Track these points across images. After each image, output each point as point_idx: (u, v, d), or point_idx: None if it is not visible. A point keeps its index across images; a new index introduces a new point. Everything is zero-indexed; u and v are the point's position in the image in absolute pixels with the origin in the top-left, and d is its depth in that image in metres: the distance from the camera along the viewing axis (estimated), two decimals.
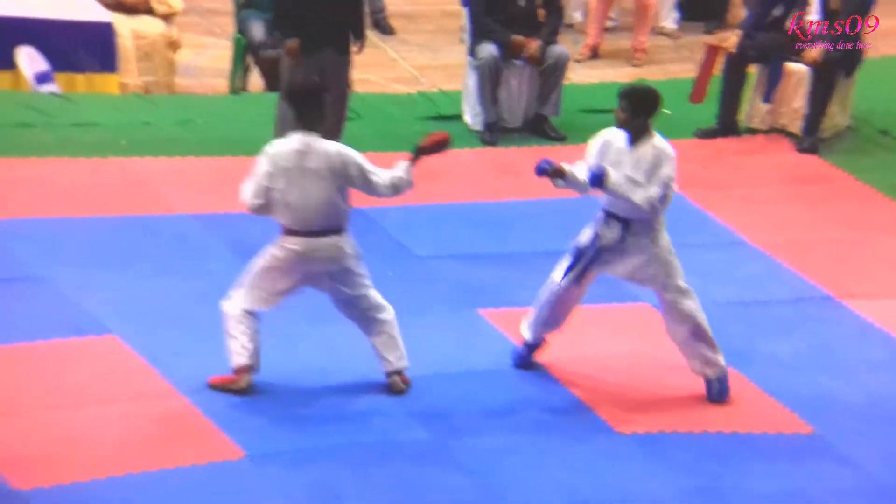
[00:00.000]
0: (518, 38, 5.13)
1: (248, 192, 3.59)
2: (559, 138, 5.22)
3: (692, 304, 3.59)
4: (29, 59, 5.07)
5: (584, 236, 3.63)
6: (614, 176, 3.50)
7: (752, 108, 5.33)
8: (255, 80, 5.52)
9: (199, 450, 3.40)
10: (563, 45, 5.32)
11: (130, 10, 5.38)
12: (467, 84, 5.29)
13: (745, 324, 4.02)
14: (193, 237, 4.31)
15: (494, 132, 5.19)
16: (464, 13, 5.36)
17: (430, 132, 3.56)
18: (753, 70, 5.31)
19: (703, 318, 3.59)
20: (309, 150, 3.50)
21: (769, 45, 5.23)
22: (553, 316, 3.71)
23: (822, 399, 3.73)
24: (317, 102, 3.51)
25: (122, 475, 3.30)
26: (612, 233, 3.56)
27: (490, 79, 5.14)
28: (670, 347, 3.88)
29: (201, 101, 5.37)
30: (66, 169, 4.70)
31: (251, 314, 3.58)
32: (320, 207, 3.50)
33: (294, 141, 3.53)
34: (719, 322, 3.93)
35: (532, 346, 3.78)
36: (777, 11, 5.24)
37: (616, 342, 3.92)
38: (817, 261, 4.46)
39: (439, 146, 3.55)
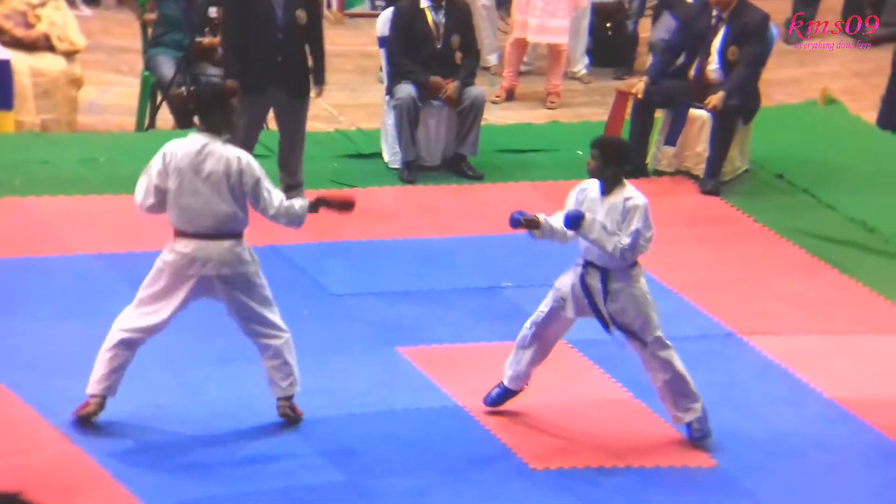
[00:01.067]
0: (436, 79, 5.19)
1: (140, 191, 3.49)
2: (477, 177, 5.29)
3: (670, 354, 3.66)
4: None
5: (565, 281, 3.66)
6: (590, 219, 3.57)
7: (659, 151, 5.51)
8: (165, 116, 5.40)
9: (95, 503, 3.24)
10: (480, 87, 5.41)
11: (30, 48, 5.23)
12: (385, 123, 5.30)
13: None
14: (94, 278, 4.17)
15: (413, 171, 5.21)
16: (381, 53, 5.38)
17: (341, 191, 3.51)
18: (660, 115, 5.51)
19: (681, 367, 3.66)
20: (206, 153, 3.42)
21: (673, 91, 5.42)
22: (539, 353, 3.71)
23: (725, 433, 3.80)
24: (221, 105, 3.42)
25: None
26: (594, 280, 3.62)
27: (408, 118, 5.17)
28: (584, 382, 3.93)
29: (105, 138, 5.22)
30: None
31: (126, 345, 3.45)
32: (213, 211, 3.41)
33: (193, 142, 3.45)
34: (626, 357, 3.98)
35: (511, 391, 3.75)
36: (681, 60, 5.45)
37: (533, 379, 3.91)
38: (721, 299, 4.60)
39: (343, 206, 3.52)
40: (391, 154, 5.27)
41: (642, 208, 3.65)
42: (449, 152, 5.30)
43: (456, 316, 4.20)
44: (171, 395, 3.65)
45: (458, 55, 5.24)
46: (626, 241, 3.60)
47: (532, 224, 3.63)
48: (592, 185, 3.70)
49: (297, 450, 3.51)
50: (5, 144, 4.98)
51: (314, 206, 3.48)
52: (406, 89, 5.17)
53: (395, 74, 5.21)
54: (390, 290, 4.40)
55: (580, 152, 5.58)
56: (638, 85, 5.43)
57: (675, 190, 5.39)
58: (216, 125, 3.46)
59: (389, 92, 5.25)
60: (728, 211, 5.28)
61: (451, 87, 5.18)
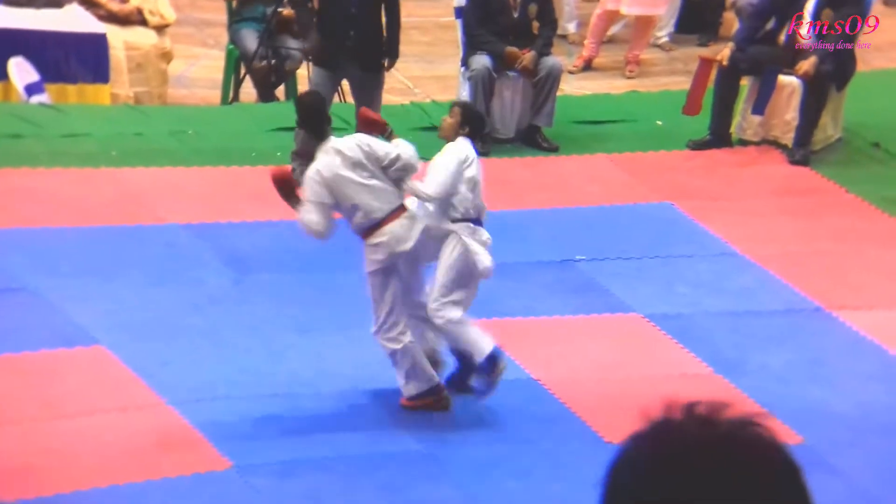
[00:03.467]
0: (512, 49, 5.13)
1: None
2: (552, 149, 5.23)
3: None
4: (20, 70, 5.06)
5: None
6: None
7: (745, 120, 5.32)
8: (248, 90, 5.51)
9: (186, 460, 3.38)
10: (557, 57, 5.32)
11: (124, 22, 5.38)
12: (460, 95, 5.29)
13: (737, 335, 4.00)
14: (183, 247, 4.30)
15: (487, 143, 5.16)
16: (458, 25, 5.36)
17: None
18: (746, 82, 5.31)
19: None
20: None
21: (761, 57, 5.22)
22: None
23: (813, 410, 3.71)
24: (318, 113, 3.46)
25: (107, 486, 3.28)
26: None
27: (483, 90, 5.14)
28: (660, 357, 3.87)
29: (193, 111, 5.37)
30: (57, 179, 4.69)
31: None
32: None
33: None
34: (710, 333, 3.92)
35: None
36: (770, 25, 5.24)
37: (606, 352, 3.89)
38: (809, 272, 4.45)
39: (283, 188, 3.44)
40: None
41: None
42: (523, 124, 5.24)
43: (529, 289, 4.17)
44: (254, 360, 3.73)
45: (536, 24, 5.16)
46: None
47: None
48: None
49: (374, 418, 3.57)
50: (102, 116, 5.14)
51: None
52: (481, 60, 5.13)
53: (471, 45, 5.16)
54: None
55: (660, 122, 5.43)
56: (723, 52, 5.24)
57: (761, 160, 5.19)
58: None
59: (465, 63, 5.22)
60: (818, 181, 5.08)
61: (528, 57, 5.11)
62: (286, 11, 5.11)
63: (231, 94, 5.47)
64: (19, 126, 4.96)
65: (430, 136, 5.27)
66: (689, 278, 4.21)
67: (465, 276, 3.59)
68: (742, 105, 5.32)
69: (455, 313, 3.57)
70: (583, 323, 3.92)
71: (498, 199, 4.80)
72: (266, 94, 5.36)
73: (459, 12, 5.32)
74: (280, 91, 5.41)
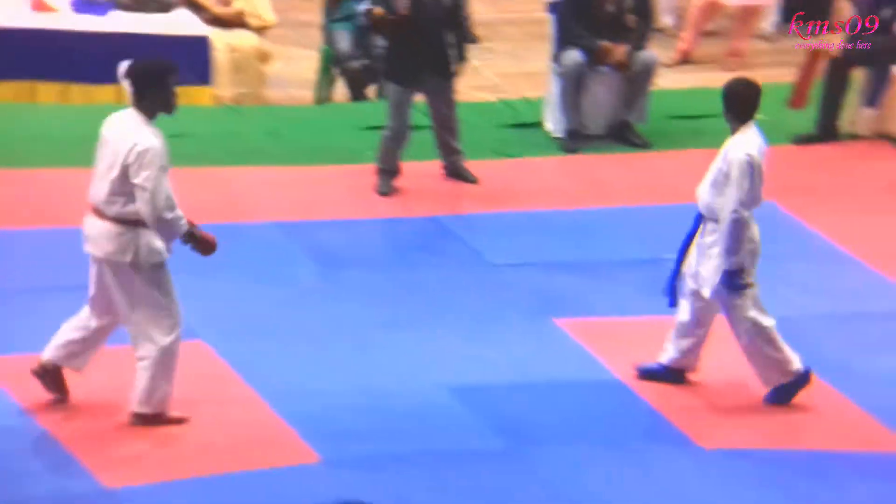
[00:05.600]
0: (606, 44, 5.04)
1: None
2: (643, 145, 5.09)
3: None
4: None
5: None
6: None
7: (857, 114, 5.08)
8: (341, 90, 5.59)
9: (278, 454, 3.46)
10: (652, 51, 5.19)
11: (226, 25, 5.54)
12: (551, 91, 5.22)
13: (843, 338, 3.84)
14: (277, 245, 4.39)
15: (576, 139, 5.10)
16: (550, 19, 5.29)
17: (208, 235, 3.35)
18: (858, 74, 5.05)
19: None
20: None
21: (875, 48, 4.98)
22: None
23: None
24: (150, 83, 3.27)
25: (206, 476, 3.39)
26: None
27: (574, 85, 5.06)
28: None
29: (288, 111, 5.46)
30: None
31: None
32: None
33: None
34: (815, 335, 3.75)
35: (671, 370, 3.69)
36: (885, 13, 4.97)
37: (700, 356, 3.75)
38: None
39: (205, 247, 3.39)
40: (554, 123, 5.17)
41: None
42: (615, 120, 5.12)
43: (617, 288, 4.09)
44: (343, 355, 3.78)
45: (632, 18, 5.04)
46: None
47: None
48: None
49: (459, 416, 3.57)
50: (204, 117, 5.28)
51: (190, 234, 3.37)
52: (573, 56, 5.05)
53: (565, 40, 5.09)
54: (549, 261, 4.35)
55: (762, 116, 5.21)
56: (834, 42, 5.02)
57: (874, 155, 4.94)
58: (147, 103, 3.33)
59: (556, 59, 5.15)
60: None
61: (621, 51, 5.00)
62: (377, 10, 5.17)
63: (325, 94, 5.55)
64: None
65: (517, 132, 5.28)
66: (793, 279, 4.04)
67: None
68: (855, 98, 5.06)
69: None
70: (671, 324, 3.74)
71: (586, 196, 4.74)
72: (357, 94, 5.40)
73: (553, 7, 5.24)
74: (371, 91, 5.46)
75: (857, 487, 3.30)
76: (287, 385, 3.70)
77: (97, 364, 3.60)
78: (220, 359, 3.79)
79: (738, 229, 3.53)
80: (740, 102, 3.61)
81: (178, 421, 3.51)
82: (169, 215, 3.36)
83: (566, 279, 4.23)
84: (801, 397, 3.62)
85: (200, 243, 3.47)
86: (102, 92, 5.30)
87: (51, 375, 3.53)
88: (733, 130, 3.63)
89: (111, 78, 5.51)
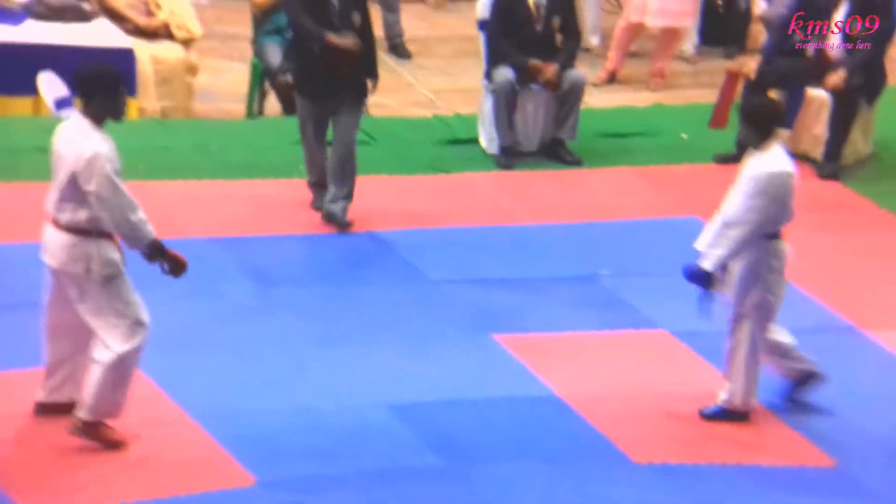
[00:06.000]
0: (535, 62, 5.12)
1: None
2: (575, 162, 5.20)
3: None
4: (49, 85, 5.11)
5: None
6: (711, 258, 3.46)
7: None
8: (272, 104, 5.54)
9: (211, 477, 3.38)
10: (580, 70, 5.31)
11: (151, 36, 5.43)
12: (483, 108, 5.29)
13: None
14: (208, 260, 4.31)
15: (510, 156, 5.17)
16: (481, 37, 5.37)
17: (178, 255, 3.30)
18: (774, 95, 5.27)
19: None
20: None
21: (789, 71, 5.19)
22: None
23: (845, 431, 3.66)
24: (98, 90, 3.19)
25: (132, 502, 3.28)
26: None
27: (506, 103, 5.13)
28: (687, 375, 3.82)
29: (217, 124, 5.41)
30: None
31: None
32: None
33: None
34: None
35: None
36: (797, 38, 5.21)
37: (631, 369, 3.85)
38: (840, 290, 4.38)
39: (174, 267, 3.33)
40: (488, 139, 5.24)
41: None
42: (547, 137, 5.22)
43: (552, 304, 4.13)
44: (278, 373, 3.72)
45: (559, 37, 5.15)
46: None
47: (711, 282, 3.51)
48: None
49: (397, 434, 3.55)
50: (129, 130, 5.23)
51: (159, 250, 3.30)
52: (504, 73, 5.12)
53: (495, 58, 5.16)
54: (487, 277, 4.39)
55: (685, 136, 5.38)
56: (750, 64, 5.23)
57: None
58: (97, 109, 3.22)
59: (488, 76, 5.22)
60: (849, 197, 5.03)
61: (551, 70, 5.10)
62: (331, 38, 5.08)
63: (255, 108, 5.51)
64: (48, 140, 4.99)
65: (452, 148, 5.32)
66: (717, 294, 4.18)
67: None
68: None
69: None
70: (608, 339, 3.88)
71: (521, 212, 4.81)
72: (290, 108, 5.35)
73: (482, 25, 5.32)
74: None
75: (782, 502, 3.39)
76: (219, 405, 3.62)
77: (21, 386, 3.46)
78: (147, 378, 3.67)
79: (745, 243, 3.51)
80: (764, 119, 3.54)
81: (115, 444, 3.38)
82: (132, 217, 3.26)
83: (504, 295, 4.26)
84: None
85: (171, 261, 3.37)
86: (19, 104, 5.13)
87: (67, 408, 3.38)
88: (754, 148, 3.56)
89: (29, 89, 5.34)
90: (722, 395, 3.67)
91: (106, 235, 3.32)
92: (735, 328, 3.65)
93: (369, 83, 4.52)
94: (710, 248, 3.59)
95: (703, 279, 3.57)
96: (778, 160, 3.62)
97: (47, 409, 3.47)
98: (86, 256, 3.29)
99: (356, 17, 4.45)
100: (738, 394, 3.65)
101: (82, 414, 3.37)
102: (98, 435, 3.38)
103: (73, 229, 3.29)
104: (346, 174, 4.53)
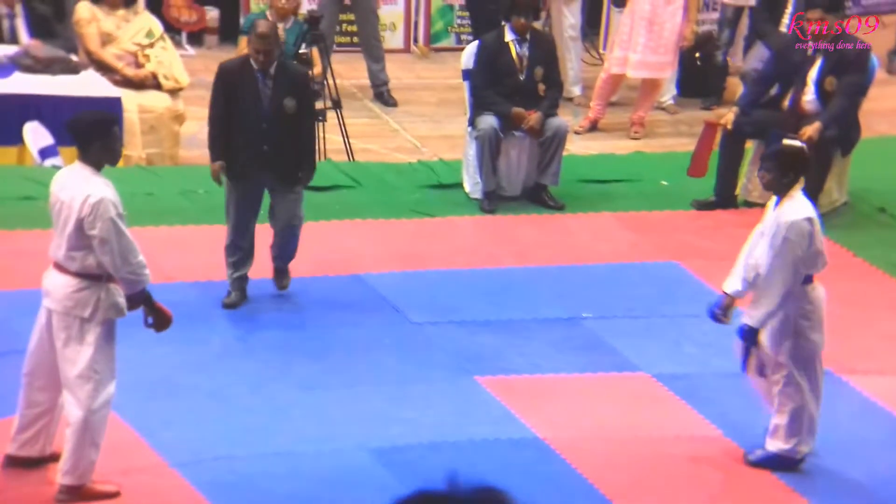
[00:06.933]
0: (518, 110, 5.21)
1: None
2: (557, 207, 5.27)
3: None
4: (34, 135, 5.14)
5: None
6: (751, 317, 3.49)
7: (750, 182, 5.35)
8: None
9: None
10: (563, 118, 5.41)
11: (139, 86, 5.49)
12: (467, 154, 5.35)
13: (744, 396, 3.96)
14: (190, 305, 4.32)
15: (493, 201, 5.24)
16: (465, 86, 5.45)
17: (165, 310, 3.34)
18: (751, 144, 5.36)
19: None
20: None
21: (766, 121, 5.27)
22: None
23: (822, 476, 3.67)
24: (95, 136, 3.23)
25: None
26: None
27: (489, 149, 5.20)
28: (668, 418, 3.82)
29: (203, 171, 5.43)
30: None
31: None
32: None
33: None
34: (717, 393, 3.85)
35: None
36: (774, 90, 5.30)
37: (612, 412, 3.85)
38: None
39: (159, 321, 3.37)
40: (472, 184, 5.32)
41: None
42: (530, 182, 5.29)
43: (535, 346, 4.13)
44: (257, 418, 3.70)
45: (542, 87, 5.24)
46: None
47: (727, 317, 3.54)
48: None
49: (379, 478, 3.52)
50: (114, 177, 5.26)
51: (140, 299, 3.31)
52: (488, 120, 5.21)
53: (479, 106, 5.25)
54: (470, 320, 4.40)
55: (664, 182, 5.46)
56: (727, 115, 5.31)
57: None
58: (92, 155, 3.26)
59: (472, 123, 5.30)
60: (825, 245, 5.19)
61: (534, 117, 5.19)
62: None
63: None
64: (33, 189, 5.03)
65: (436, 193, 5.35)
66: (697, 338, 4.17)
67: None
68: (747, 167, 5.35)
69: None
70: (589, 382, 3.88)
71: (504, 256, 4.83)
72: None
73: (466, 74, 5.42)
74: None
75: None
76: (198, 451, 3.59)
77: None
78: (125, 424, 3.65)
79: (787, 297, 3.47)
80: (798, 166, 3.50)
81: (104, 495, 3.34)
82: (132, 260, 3.29)
83: (487, 337, 4.26)
84: (708, 453, 3.73)
85: (157, 313, 3.40)
86: (4, 153, 5.15)
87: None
88: (779, 195, 3.54)
89: (13, 139, 5.34)
90: (772, 441, 3.64)
91: (113, 279, 3.33)
92: (775, 379, 3.64)
93: (301, 175, 4.22)
94: (752, 308, 3.58)
95: (750, 337, 3.58)
96: (801, 207, 3.62)
97: (16, 463, 3.44)
98: (94, 300, 3.30)
99: (289, 104, 4.18)
100: (782, 438, 3.63)
101: (65, 480, 3.35)
102: (84, 495, 3.36)
103: (83, 275, 3.30)
104: (291, 249, 4.36)
